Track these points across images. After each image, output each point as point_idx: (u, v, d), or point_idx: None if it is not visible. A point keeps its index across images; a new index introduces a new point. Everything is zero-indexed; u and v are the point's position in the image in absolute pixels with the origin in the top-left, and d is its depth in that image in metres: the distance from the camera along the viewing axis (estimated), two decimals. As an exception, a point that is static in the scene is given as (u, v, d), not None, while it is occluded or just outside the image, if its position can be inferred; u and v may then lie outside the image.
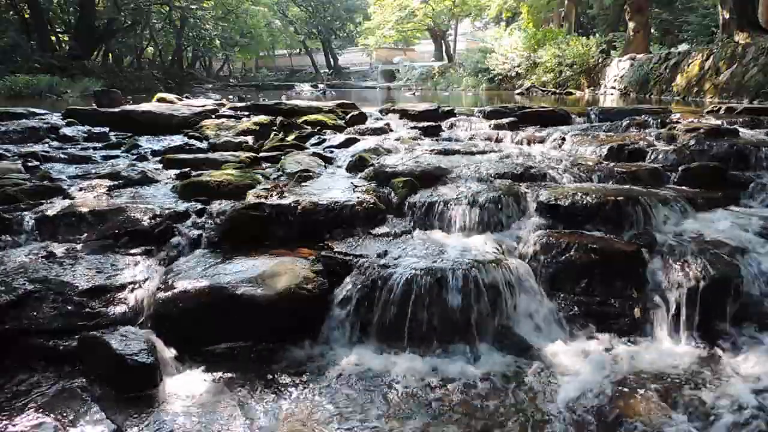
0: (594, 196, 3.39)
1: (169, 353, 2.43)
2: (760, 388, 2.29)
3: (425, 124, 6.44)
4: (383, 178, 3.99)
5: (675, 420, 2.11)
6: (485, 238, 3.24)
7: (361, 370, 2.45)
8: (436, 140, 5.80)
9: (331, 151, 5.25)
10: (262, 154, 5.09)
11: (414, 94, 19.80)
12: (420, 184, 3.82)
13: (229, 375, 2.39)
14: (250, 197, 3.59)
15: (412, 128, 6.31)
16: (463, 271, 2.70)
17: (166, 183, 4.18)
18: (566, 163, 4.32)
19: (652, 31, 21.45)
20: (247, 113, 6.81)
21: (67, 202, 3.58)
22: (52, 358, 2.40)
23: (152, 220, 3.30)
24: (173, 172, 4.47)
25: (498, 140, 5.67)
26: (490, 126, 6.25)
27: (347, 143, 5.49)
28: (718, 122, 5.53)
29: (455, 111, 7.05)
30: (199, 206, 3.54)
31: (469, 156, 4.72)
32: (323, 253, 3.04)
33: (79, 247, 3.09)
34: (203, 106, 7.27)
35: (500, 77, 20.87)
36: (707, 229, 3.24)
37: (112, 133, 5.93)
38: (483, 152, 4.89)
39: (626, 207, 3.31)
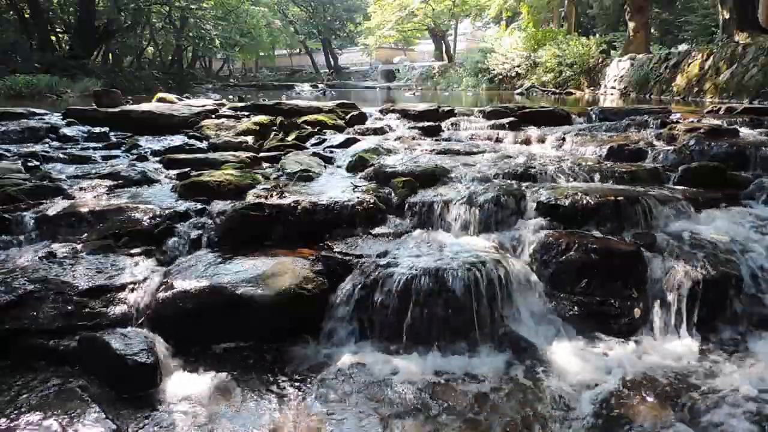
0: (594, 196, 3.39)
1: (169, 353, 2.43)
2: (761, 388, 2.29)
3: (425, 124, 6.44)
4: (383, 178, 3.99)
5: (675, 420, 2.11)
6: (485, 238, 3.25)
7: (361, 369, 2.45)
8: (436, 140, 5.79)
9: (331, 151, 5.25)
10: (262, 154, 5.09)
11: (414, 94, 19.79)
12: (420, 184, 3.82)
13: (229, 375, 2.39)
14: (250, 197, 3.59)
15: (412, 128, 6.31)
16: (463, 271, 2.70)
17: (166, 183, 4.18)
18: (566, 163, 4.32)
19: (652, 31, 21.45)
20: (247, 113, 6.81)
21: (67, 202, 3.58)
22: (52, 358, 2.40)
23: (152, 220, 3.30)
24: (173, 172, 4.47)
25: (498, 140, 5.67)
26: (490, 126, 6.25)
27: (347, 143, 5.49)
28: (718, 122, 5.53)
29: (455, 111, 7.05)
30: (199, 206, 3.54)
31: (469, 156, 4.72)
32: (323, 253, 3.04)
33: (79, 247, 3.09)
34: (203, 106, 7.27)
35: (500, 77, 20.86)
36: (707, 229, 3.24)
37: (112, 133, 5.93)
38: (483, 152, 4.89)
39: (626, 207, 3.31)
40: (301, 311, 2.67)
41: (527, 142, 5.52)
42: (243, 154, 4.92)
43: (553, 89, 17.54)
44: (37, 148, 5.15)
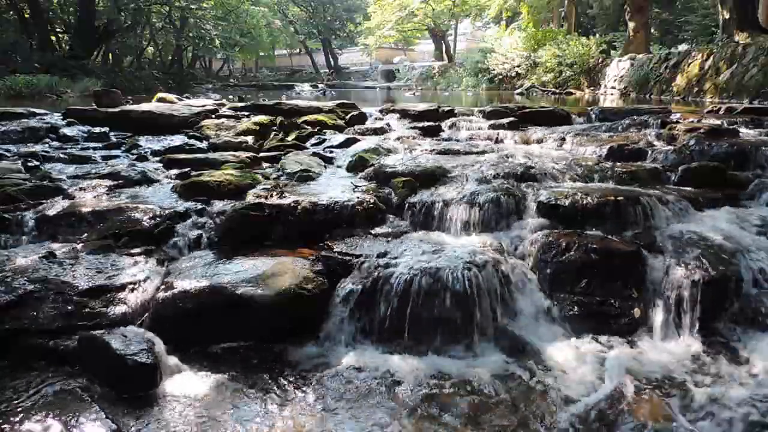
0: (594, 196, 3.39)
1: (169, 353, 2.43)
2: (761, 388, 2.29)
3: (425, 124, 6.44)
4: (383, 178, 4.00)
5: (675, 420, 2.11)
6: (485, 238, 3.25)
7: (360, 370, 2.45)
8: (436, 140, 5.80)
9: (331, 151, 5.25)
10: (262, 154, 5.09)
11: (414, 94, 19.78)
12: (420, 184, 3.82)
13: (229, 375, 2.40)
14: (250, 197, 3.59)
15: (412, 128, 6.31)
16: (462, 271, 2.70)
17: (166, 183, 4.18)
18: (566, 163, 4.32)
19: (652, 31, 21.45)
20: (247, 113, 6.81)
21: (67, 202, 3.58)
22: (52, 358, 2.40)
23: (152, 220, 3.30)
24: (173, 172, 4.47)
25: (498, 140, 5.67)
26: (490, 126, 6.25)
27: (347, 143, 5.49)
28: (718, 122, 5.53)
29: (455, 111, 7.05)
30: (199, 206, 3.54)
31: (469, 156, 4.72)
32: (323, 253, 3.04)
33: (79, 247, 3.09)
34: (203, 106, 7.27)
35: (500, 77, 20.85)
36: (707, 229, 3.24)
37: (112, 133, 5.93)
38: (483, 152, 4.89)
39: (626, 207, 3.31)
40: (301, 311, 2.67)
41: (527, 142, 5.52)
42: (243, 154, 4.92)
43: (553, 89, 17.53)
44: (37, 148, 5.15)
